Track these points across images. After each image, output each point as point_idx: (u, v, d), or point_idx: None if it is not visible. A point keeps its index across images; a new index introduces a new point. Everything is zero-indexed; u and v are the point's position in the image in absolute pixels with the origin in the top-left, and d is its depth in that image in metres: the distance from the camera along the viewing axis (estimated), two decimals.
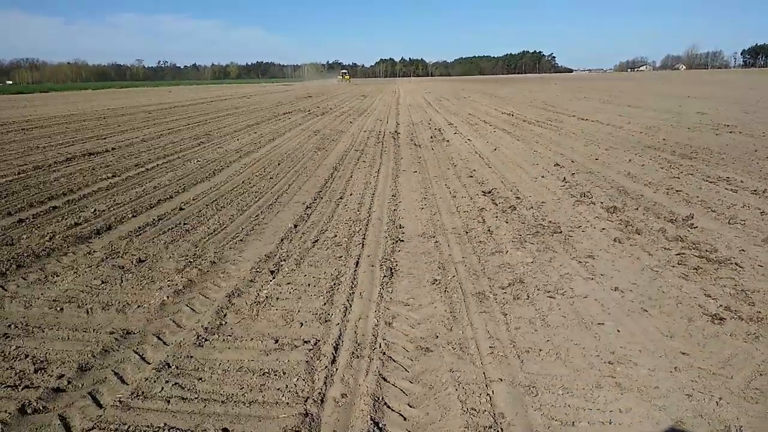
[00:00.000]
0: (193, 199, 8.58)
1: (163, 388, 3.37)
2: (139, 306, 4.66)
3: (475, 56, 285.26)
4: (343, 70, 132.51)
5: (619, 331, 4.01)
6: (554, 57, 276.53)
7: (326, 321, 4.30)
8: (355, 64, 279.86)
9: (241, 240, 6.47)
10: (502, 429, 2.92)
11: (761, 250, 5.66)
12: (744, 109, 22.83)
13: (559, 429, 2.92)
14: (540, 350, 3.75)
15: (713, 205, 7.45)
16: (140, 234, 6.77)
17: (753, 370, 3.42)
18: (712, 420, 2.96)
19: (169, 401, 3.23)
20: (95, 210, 7.91)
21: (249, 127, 20.04)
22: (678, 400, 3.14)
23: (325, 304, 4.62)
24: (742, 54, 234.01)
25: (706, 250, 5.68)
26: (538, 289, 4.81)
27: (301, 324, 4.27)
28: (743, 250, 5.68)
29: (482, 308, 4.46)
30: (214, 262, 5.70)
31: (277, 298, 4.75)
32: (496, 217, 7.25)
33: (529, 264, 5.48)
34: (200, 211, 7.86)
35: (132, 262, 5.72)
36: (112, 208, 8.05)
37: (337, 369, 3.57)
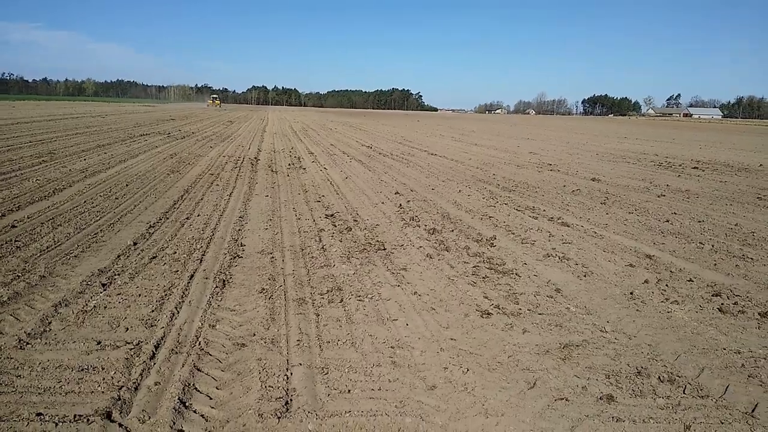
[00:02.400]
0: (28, 218, 8.32)
1: None
2: None
3: (347, 90, 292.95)
4: (214, 95, 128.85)
5: (407, 324, 4.84)
6: (421, 96, 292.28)
7: (152, 326, 4.65)
8: (226, 89, 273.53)
9: (76, 256, 6.52)
10: (291, 399, 3.53)
11: (539, 263, 6.94)
12: (569, 150, 26.29)
13: (336, 396, 3.59)
14: (339, 341, 4.44)
15: (514, 228, 8.83)
16: None
17: (500, 350, 4.38)
18: (456, 384, 3.81)
19: None
20: None
21: (100, 147, 19.22)
22: (436, 371, 3.98)
23: (153, 311, 4.96)
24: (582, 102, 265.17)
25: (497, 263, 6.84)
26: (352, 295, 5.55)
27: (127, 329, 4.57)
28: (525, 263, 6.92)
29: (300, 311, 5.09)
30: (44, 276, 5.75)
31: (106, 307, 4.99)
32: (332, 236, 7.98)
33: (350, 275, 6.22)
34: (34, 229, 7.69)
35: None
36: None
37: (154, 363, 3.96)
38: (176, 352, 4.15)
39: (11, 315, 4.74)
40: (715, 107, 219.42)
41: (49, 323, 4.60)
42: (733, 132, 62.23)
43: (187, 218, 8.83)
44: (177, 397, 3.50)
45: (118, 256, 6.59)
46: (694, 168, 19.41)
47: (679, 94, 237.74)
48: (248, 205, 10.13)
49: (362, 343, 4.41)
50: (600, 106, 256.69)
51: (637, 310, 5.44)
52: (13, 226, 7.75)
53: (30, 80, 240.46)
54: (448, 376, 3.92)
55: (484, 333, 4.73)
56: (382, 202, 10.83)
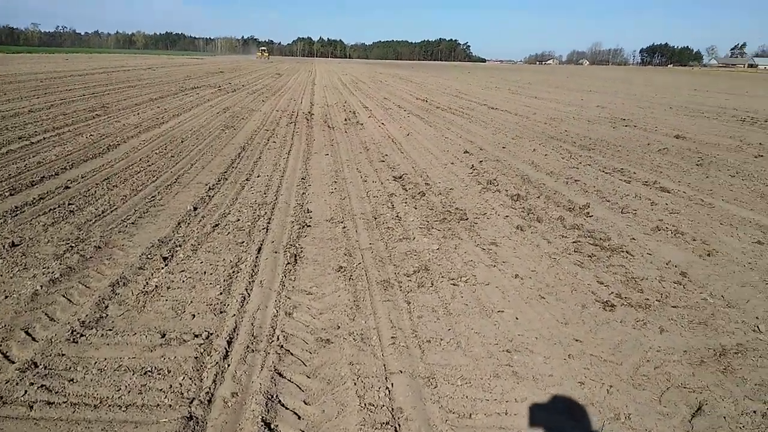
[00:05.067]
0: (82, 177, 7.86)
1: (26, 392, 2.99)
2: (6, 297, 4.15)
3: (393, 41, 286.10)
4: (262, 47, 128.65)
5: (517, 318, 4.06)
6: (469, 46, 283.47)
7: (221, 312, 4.03)
8: (271, 41, 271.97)
9: (133, 223, 5.98)
10: (399, 424, 2.84)
11: (650, 239, 5.98)
12: (639, 104, 24.40)
13: (456, 422, 2.87)
14: (441, 340, 3.71)
15: (608, 195, 7.82)
16: (17, 215, 6.09)
17: (641, 357, 3.56)
18: (602, 408, 3.03)
19: (32, 407, 2.87)
20: None
21: (152, 100, 18.82)
22: (571, 388, 3.20)
23: (221, 293, 4.34)
24: (640, 52, 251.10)
25: (600, 239, 5.93)
26: (443, 277, 4.80)
27: (194, 316, 3.97)
28: (634, 238, 5.98)
29: (386, 297, 4.37)
30: (99, 247, 5.22)
31: (168, 288, 4.40)
32: (405, 202, 7.20)
33: (434, 251, 5.45)
34: (89, 190, 7.21)
35: (3, 247, 5.11)
36: None
37: (228, 365, 3.33)
38: (252, 350, 3.51)
39: (64, 296, 4.21)
40: None
41: (106, 308, 4.04)
42: None
43: (247, 179, 8.20)
44: (260, 416, 2.85)
45: (179, 224, 6.01)
46: None
47: (744, 44, 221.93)
48: (309, 165, 9.42)
49: (469, 344, 3.67)
50: (659, 55, 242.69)
51: None
52: (67, 187, 7.29)
53: (82, 33, 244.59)
54: (587, 395, 3.14)
55: (613, 332, 3.90)
56: (452, 163, 9.92)
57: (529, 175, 9.03)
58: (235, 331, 3.75)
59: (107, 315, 3.94)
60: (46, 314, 3.92)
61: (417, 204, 7.14)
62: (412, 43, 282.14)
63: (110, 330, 3.71)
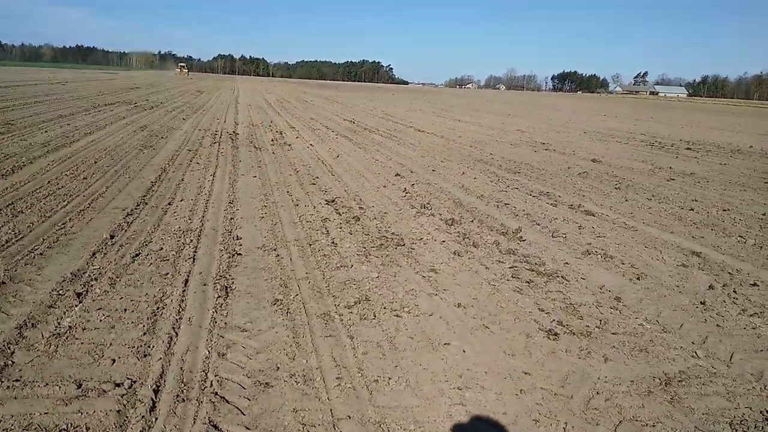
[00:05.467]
0: None
1: None
2: None
3: (317, 60, 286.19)
4: (181, 63, 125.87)
5: (464, 351, 3.95)
6: (392, 68, 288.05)
7: (146, 355, 3.64)
8: (191, 57, 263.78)
9: (41, 254, 5.39)
10: None
11: (582, 263, 6.12)
12: (555, 128, 25.62)
13: None
14: (389, 378, 3.52)
15: (537, 218, 7.99)
16: None
17: (590, 389, 3.53)
18: None
19: None
20: None
21: (62, 117, 17.56)
22: (527, 427, 3.10)
23: (144, 333, 3.93)
24: (552, 79, 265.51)
25: (536, 263, 5.99)
26: (385, 308, 4.62)
27: (113, 361, 3.56)
28: (567, 263, 6.09)
29: (328, 331, 4.14)
30: (3, 283, 4.64)
31: (84, 329, 3.94)
32: (340, 228, 7.00)
33: (374, 279, 5.28)
34: None
35: None
36: None
37: (156, 419, 2.98)
38: (183, 399, 3.17)
39: None
40: (680, 86, 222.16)
41: (12, 354, 3.54)
42: (705, 111, 62.56)
43: (169, 204, 7.70)
44: None
45: (93, 254, 5.49)
46: (688, 149, 18.89)
47: (646, 72, 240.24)
48: (236, 188, 9.02)
49: (419, 382, 3.50)
50: (569, 82, 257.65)
51: (718, 325, 4.67)
52: None
53: None
54: None
55: (560, 362, 3.87)
56: (384, 186, 9.84)
57: (460, 198, 9.10)
58: (162, 378, 3.38)
59: (13, 362, 3.45)
60: None
61: (352, 229, 6.96)
62: (335, 63, 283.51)
63: (17, 381, 3.24)
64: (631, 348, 4.14)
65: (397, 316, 4.48)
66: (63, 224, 6.40)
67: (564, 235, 7.17)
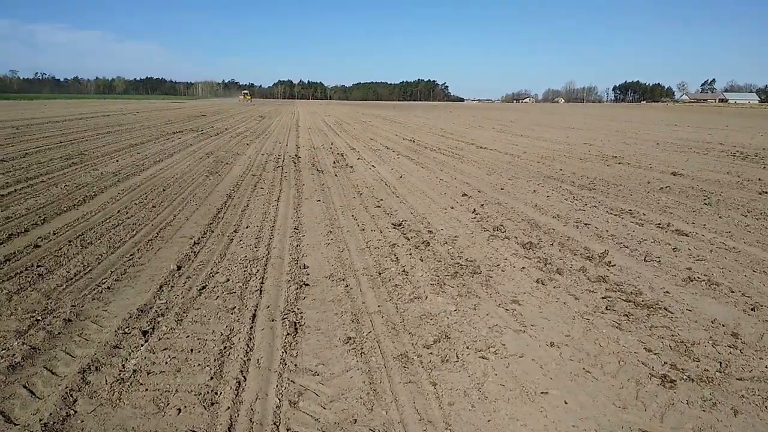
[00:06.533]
0: (54, 233, 7.15)
1: None
2: None
3: (372, 82, 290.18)
4: (244, 91, 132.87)
5: (566, 402, 3.44)
6: (447, 86, 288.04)
7: (212, 404, 3.35)
8: (252, 84, 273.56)
9: (109, 288, 5.28)
10: None
11: (684, 291, 5.45)
12: (624, 140, 24.40)
13: None
14: None
15: (624, 240, 7.31)
16: None
17: None
18: None
19: None
20: None
21: (132, 146, 18.19)
22: None
23: (211, 378, 3.66)
24: (613, 90, 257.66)
25: (632, 293, 5.37)
26: (467, 348, 4.17)
27: (179, 410, 3.28)
28: (667, 291, 5.43)
29: (407, 377, 3.73)
30: (70, 320, 4.52)
31: (149, 373, 3.71)
32: (410, 254, 6.61)
33: (452, 313, 4.84)
34: (60, 249, 6.51)
35: None
36: None
37: None
38: None
39: (25, 386, 3.50)
40: (751, 91, 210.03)
41: (75, 402, 3.34)
42: None
43: (235, 231, 7.56)
44: None
45: (161, 287, 5.33)
46: None
47: (714, 79, 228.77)
48: (300, 213, 8.83)
49: None
50: (632, 92, 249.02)
51: None
52: (36, 246, 6.58)
53: (61, 79, 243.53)
54: None
55: (682, 417, 3.29)
56: (452, 207, 9.40)
57: (535, 219, 8.52)
58: (230, 431, 3.07)
59: (75, 412, 3.24)
60: (1, 414, 3.20)
61: (423, 255, 6.55)
62: (391, 84, 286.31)
63: None
64: (764, 398, 3.51)
65: (483, 357, 4.02)
66: (131, 255, 6.33)
67: (658, 259, 6.48)
